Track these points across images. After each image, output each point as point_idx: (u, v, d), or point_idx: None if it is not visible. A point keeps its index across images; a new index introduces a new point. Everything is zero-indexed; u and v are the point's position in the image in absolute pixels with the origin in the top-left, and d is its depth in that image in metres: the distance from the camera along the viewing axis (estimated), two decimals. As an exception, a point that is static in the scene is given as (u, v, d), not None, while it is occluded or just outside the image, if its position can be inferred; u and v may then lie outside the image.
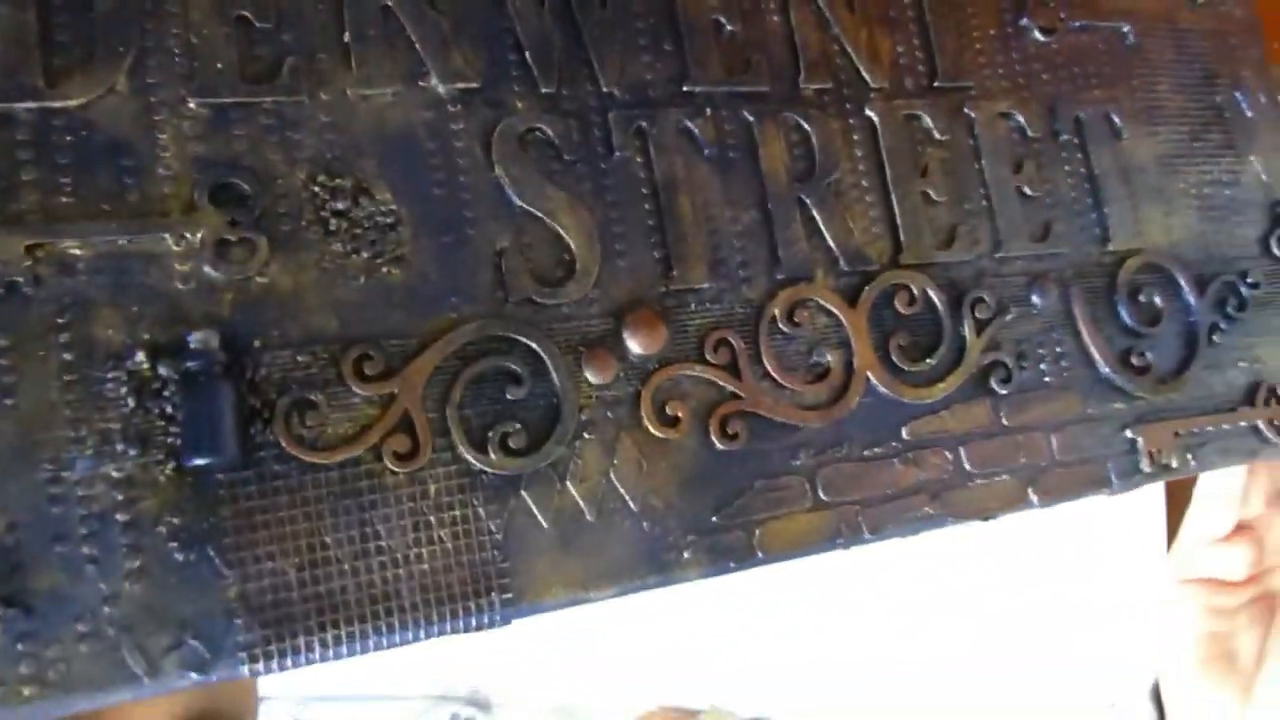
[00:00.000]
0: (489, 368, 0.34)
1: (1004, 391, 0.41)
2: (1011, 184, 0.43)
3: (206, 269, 0.32)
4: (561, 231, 0.36)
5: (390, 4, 0.36)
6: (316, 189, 0.34)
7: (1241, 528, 0.47)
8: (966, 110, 0.43)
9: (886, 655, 0.61)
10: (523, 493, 0.34)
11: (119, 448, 0.31)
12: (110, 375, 0.31)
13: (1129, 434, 0.43)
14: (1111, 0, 0.47)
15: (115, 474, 0.30)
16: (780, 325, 0.38)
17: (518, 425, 0.34)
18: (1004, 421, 0.41)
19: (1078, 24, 0.46)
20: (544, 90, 0.37)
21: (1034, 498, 0.41)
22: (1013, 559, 0.62)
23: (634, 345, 0.36)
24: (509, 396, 0.35)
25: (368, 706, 0.53)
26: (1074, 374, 0.42)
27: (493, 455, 0.34)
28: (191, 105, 0.33)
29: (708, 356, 0.37)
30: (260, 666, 0.31)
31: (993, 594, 0.62)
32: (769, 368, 0.38)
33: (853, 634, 0.61)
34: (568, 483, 0.35)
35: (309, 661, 0.31)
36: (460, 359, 0.34)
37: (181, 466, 0.31)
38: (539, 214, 0.36)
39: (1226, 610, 0.47)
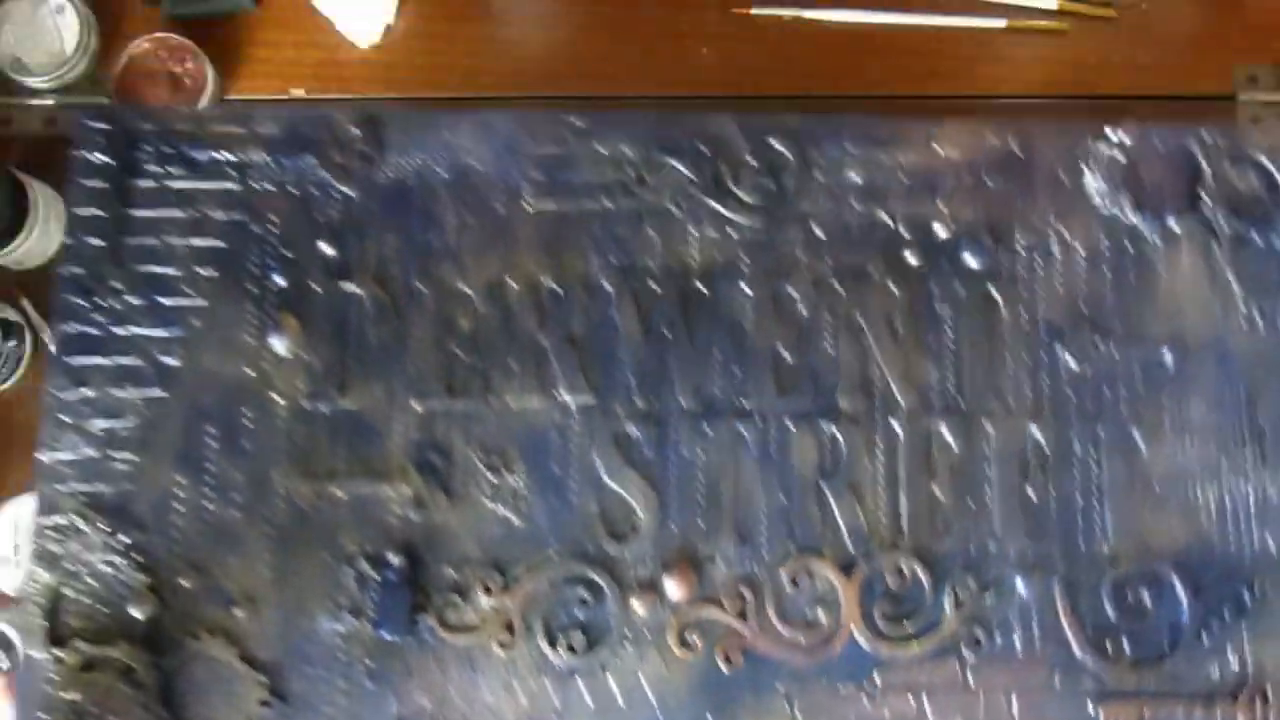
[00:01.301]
0: (568, 592, 0.53)
1: (973, 658, 0.52)
2: (1017, 488, 0.54)
3: (409, 511, 0.54)
4: (633, 503, 0.54)
5: (544, 344, 0.55)
6: (479, 463, 0.54)
7: None
8: (986, 426, 0.54)
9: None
10: (578, 679, 0.52)
11: (345, 615, 0.53)
12: (346, 571, 0.53)
13: (1091, 707, 0.52)
14: (1158, 325, 0.55)
15: (341, 630, 0.52)
16: (785, 585, 0.53)
17: (580, 632, 0.52)
18: (969, 681, 0.52)
19: (1114, 351, 0.55)
20: (638, 404, 0.54)
21: (986, 745, 0.51)
22: None
23: (671, 588, 0.53)
24: (577, 613, 0.53)
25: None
26: (1045, 651, 0.52)
27: (561, 652, 0.52)
28: (415, 406, 0.55)
29: (724, 603, 0.53)
30: (405, 760, 0.52)
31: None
32: (771, 616, 0.52)
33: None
34: (609, 677, 0.52)
35: (435, 762, 0.52)
36: (550, 584, 0.53)
37: (376, 633, 0.52)
38: (619, 490, 0.54)
39: None
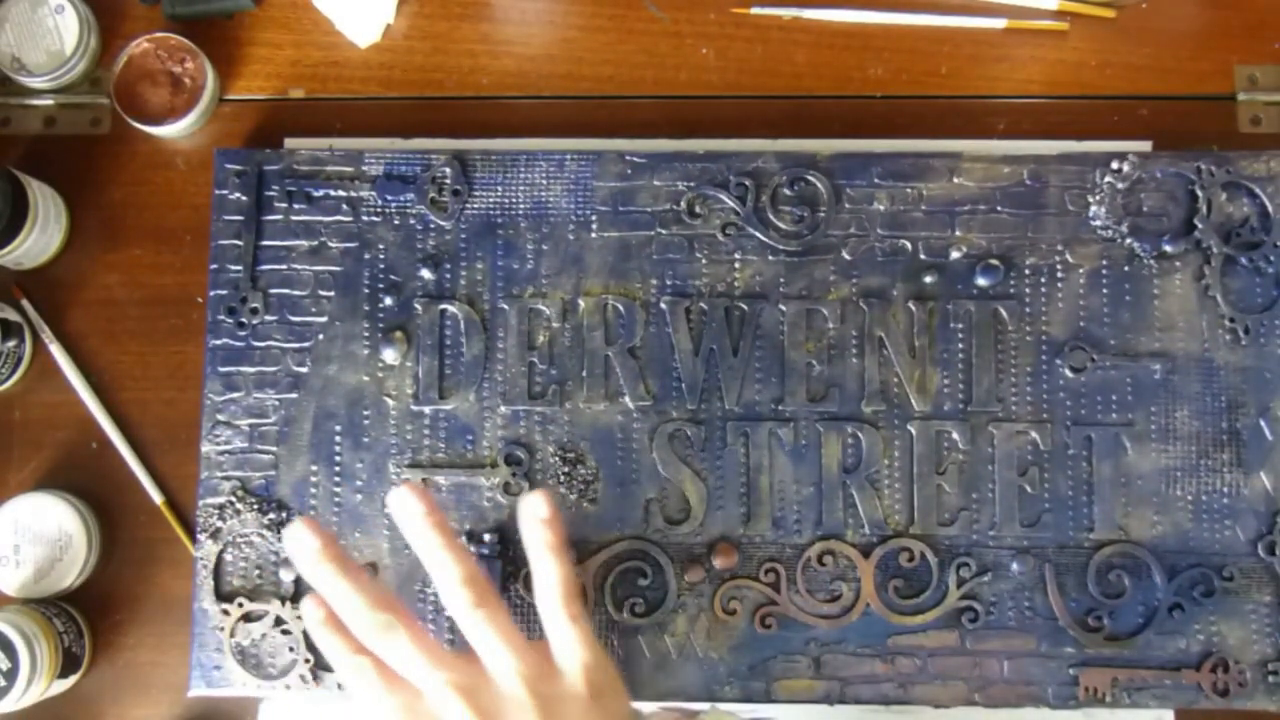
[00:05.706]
0: (631, 565, 0.63)
1: (971, 627, 0.61)
2: (1016, 483, 0.62)
3: (499, 496, 0.65)
4: (685, 492, 0.64)
5: (610, 355, 0.65)
6: (555, 458, 0.65)
7: None
8: (990, 428, 0.63)
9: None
10: (639, 637, 0.63)
11: (449, 581, 0.64)
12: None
13: (1072, 671, 0.61)
14: (1149, 340, 0.62)
15: (446, 593, 0.64)
16: (813, 563, 0.63)
17: (641, 599, 0.63)
18: (967, 646, 0.62)
19: (1108, 363, 0.63)
20: (689, 407, 0.64)
21: (979, 700, 0.61)
22: None
23: (716, 563, 0.63)
24: (639, 583, 0.63)
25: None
26: (1035, 623, 0.61)
27: (625, 614, 0.63)
28: (502, 408, 0.65)
29: (760, 576, 0.63)
30: (499, 697, 0.64)
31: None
32: (800, 588, 0.63)
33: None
34: (665, 636, 0.63)
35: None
36: (616, 558, 0.64)
37: (474, 595, 0.64)
38: (674, 481, 0.64)
39: None
